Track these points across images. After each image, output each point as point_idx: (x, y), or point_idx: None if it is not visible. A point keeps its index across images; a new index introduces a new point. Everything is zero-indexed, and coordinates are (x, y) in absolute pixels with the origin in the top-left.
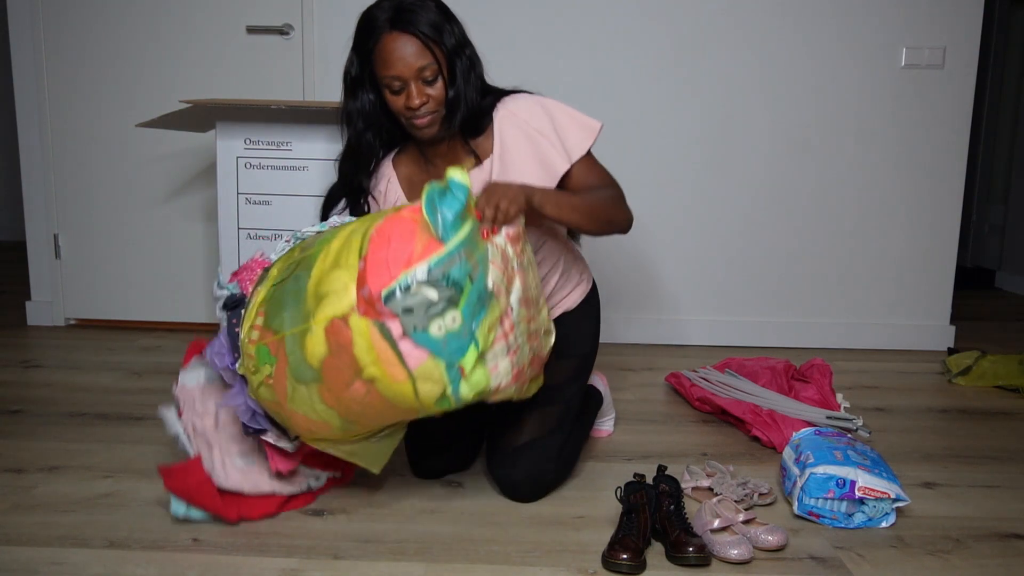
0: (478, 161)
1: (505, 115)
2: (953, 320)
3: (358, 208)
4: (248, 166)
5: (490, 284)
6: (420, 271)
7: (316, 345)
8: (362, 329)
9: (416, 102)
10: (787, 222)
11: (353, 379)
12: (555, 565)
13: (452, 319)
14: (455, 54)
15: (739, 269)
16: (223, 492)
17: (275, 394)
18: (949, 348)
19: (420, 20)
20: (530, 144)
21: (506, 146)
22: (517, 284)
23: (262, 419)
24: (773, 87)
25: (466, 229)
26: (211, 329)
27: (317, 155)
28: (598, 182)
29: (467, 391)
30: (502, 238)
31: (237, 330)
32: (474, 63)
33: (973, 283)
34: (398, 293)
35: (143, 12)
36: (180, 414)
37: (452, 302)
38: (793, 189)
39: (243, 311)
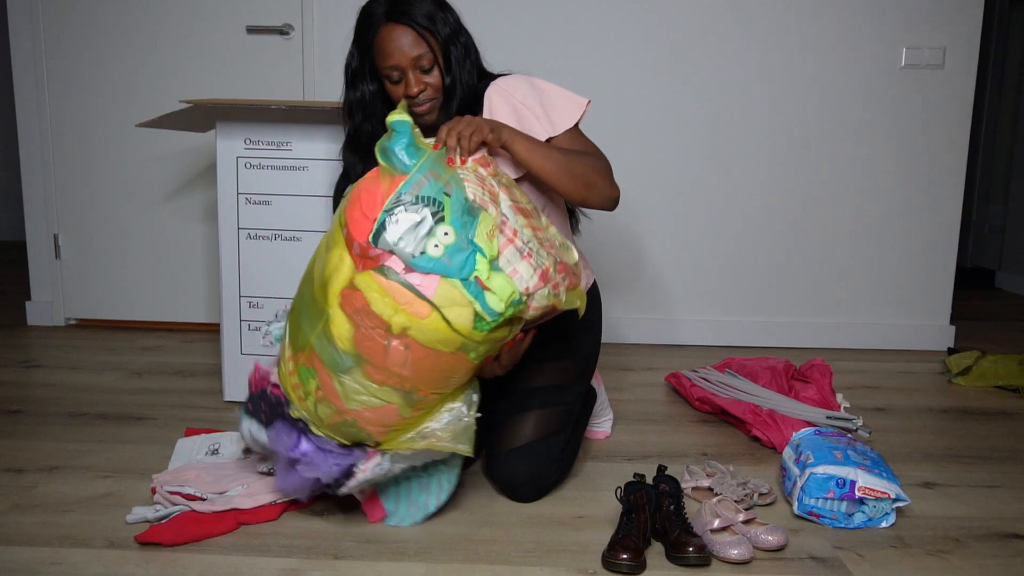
0: None
1: (495, 91)
2: (953, 320)
3: None
4: (248, 166)
5: (470, 196)
6: (391, 202)
7: (340, 327)
8: (369, 282)
9: (414, 90)
10: (787, 222)
11: (387, 340)
12: (555, 565)
13: (444, 233)
14: (450, 42)
15: (739, 269)
16: (218, 512)
17: (331, 403)
18: (949, 348)
19: (415, 12)
20: (515, 116)
21: (494, 117)
22: (503, 196)
23: (341, 456)
24: (773, 87)
25: (424, 156)
26: (211, 329)
27: (317, 155)
28: (582, 150)
29: (497, 302)
30: (470, 163)
31: (275, 390)
32: (469, 50)
33: (973, 283)
34: (382, 231)
35: (143, 12)
36: (154, 491)
37: (437, 218)
38: (793, 189)
39: (274, 376)
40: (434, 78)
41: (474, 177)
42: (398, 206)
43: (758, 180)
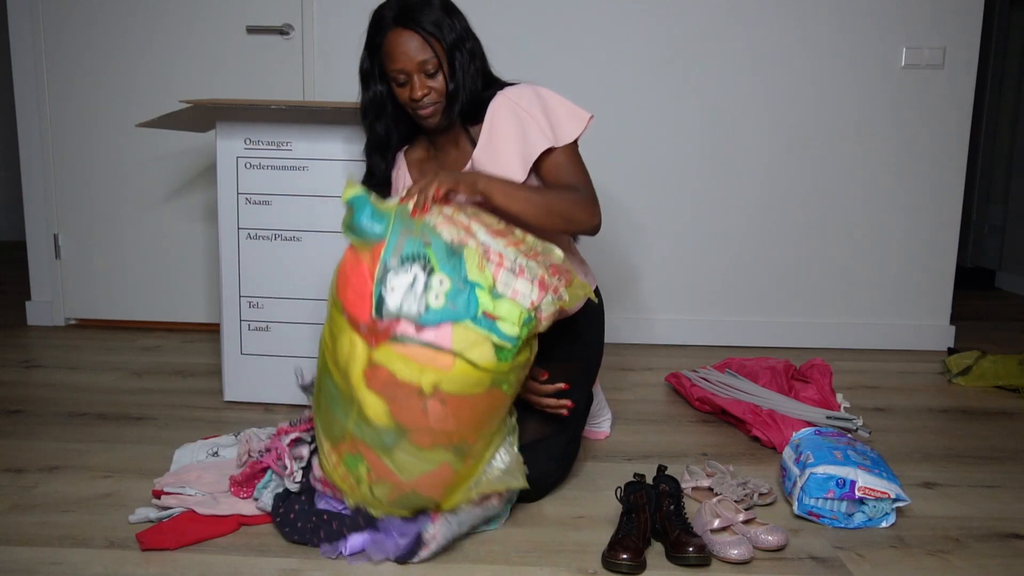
0: (474, 145)
1: (500, 99)
2: (953, 320)
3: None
4: (248, 166)
5: (448, 238)
6: (380, 272)
7: (374, 407)
8: (387, 355)
9: (419, 94)
10: (787, 222)
11: (422, 403)
12: (555, 565)
13: (440, 282)
14: (455, 48)
15: (739, 269)
16: (220, 516)
17: (386, 481)
18: (949, 348)
19: (423, 18)
20: (517, 123)
21: (495, 125)
22: (475, 226)
23: (406, 526)
24: (773, 87)
25: (391, 218)
26: (211, 329)
27: (317, 155)
28: (571, 177)
29: (510, 327)
30: (433, 208)
31: (323, 485)
32: (474, 56)
33: (973, 283)
34: (382, 303)
35: (143, 12)
36: (160, 494)
37: (428, 270)
38: (793, 189)
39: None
40: (438, 83)
41: (443, 219)
42: (388, 273)
43: (758, 180)
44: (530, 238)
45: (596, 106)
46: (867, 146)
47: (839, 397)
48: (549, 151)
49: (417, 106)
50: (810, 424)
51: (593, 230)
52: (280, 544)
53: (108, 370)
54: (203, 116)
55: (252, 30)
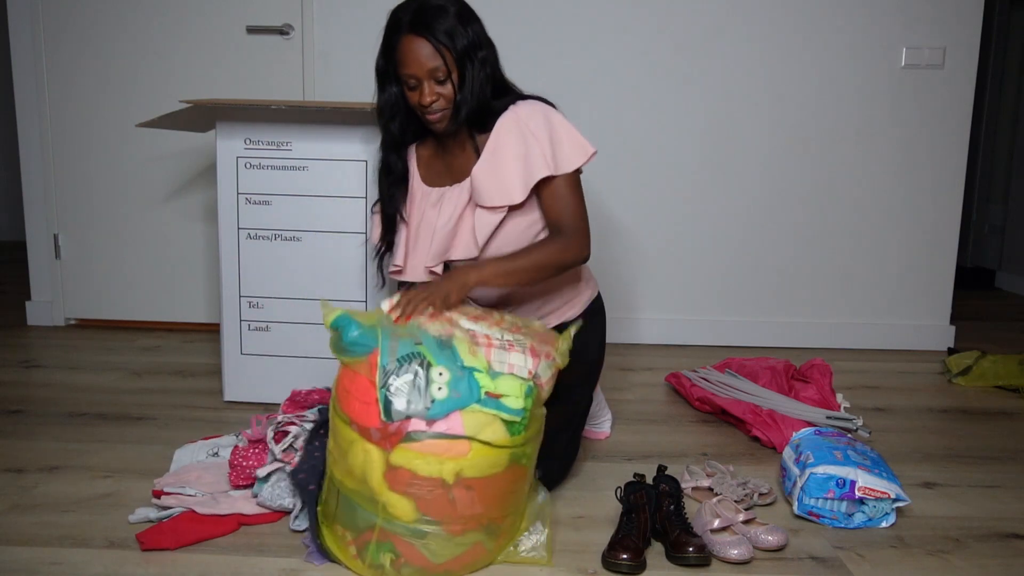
0: (478, 154)
1: (510, 115)
2: (953, 320)
3: (399, 191)
4: (248, 166)
5: (435, 333)
6: (380, 378)
7: (400, 507)
8: (405, 455)
9: (427, 100)
10: (787, 222)
11: (448, 493)
12: (555, 565)
13: (440, 374)
14: (467, 58)
15: (739, 269)
16: (220, 516)
17: (415, 565)
18: (949, 348)
19: (436, 27)
20: (521, 143)
21: (499, 141)
22: (456, 316)
23: None
24: (773, 87)
25: (377, 328)
26: (211, 329)
27: (317, 155)
28: (566, 209)
29: (515, 401)
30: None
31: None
32: (485, 64)
33: (973, 283)
34: (389, 407)
35: (143, 12)
36: (160, 494)
37: (425, 367)
38: (793, 189)
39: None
40: (447, 90)
41: (425, 317)
42: (389, 377)
43: (758, 180)
44: (508, 316)
45: (596, 107)
46: (867, 146)
47: (839, 397)
48: (549, 177)
49: (426, 111)
50: (810, 424)
51: (583, 262)
52: (280, 544)
53: (108, 370)
54: (203, 116)
55: (252, 30)
